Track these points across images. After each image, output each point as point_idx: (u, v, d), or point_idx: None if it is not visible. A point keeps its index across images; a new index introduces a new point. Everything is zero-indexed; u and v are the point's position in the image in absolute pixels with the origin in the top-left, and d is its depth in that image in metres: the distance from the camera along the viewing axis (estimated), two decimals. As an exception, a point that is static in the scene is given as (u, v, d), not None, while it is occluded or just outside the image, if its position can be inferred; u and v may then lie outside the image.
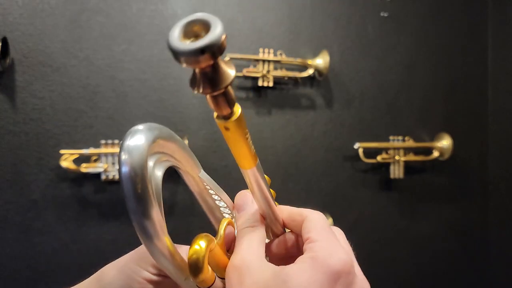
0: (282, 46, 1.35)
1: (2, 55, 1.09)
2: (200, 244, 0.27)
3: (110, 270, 0.38)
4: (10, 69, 1.14)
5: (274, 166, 1.36)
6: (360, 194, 1.46)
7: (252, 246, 0.30)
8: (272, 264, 0.28)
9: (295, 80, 1.38)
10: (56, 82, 1.18)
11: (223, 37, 0.19)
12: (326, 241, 0.28)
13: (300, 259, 0.27)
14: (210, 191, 0.38)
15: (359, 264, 0.30)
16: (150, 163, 0.28)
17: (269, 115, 1.37)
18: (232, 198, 0.36)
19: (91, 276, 0.39)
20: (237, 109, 0.23)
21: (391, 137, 1.45)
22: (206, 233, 0.29)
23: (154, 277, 0.36)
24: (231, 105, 0.23)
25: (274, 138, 1.37)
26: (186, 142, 1.22)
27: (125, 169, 0.24)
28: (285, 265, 0.27)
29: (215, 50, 0.18)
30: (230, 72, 0.21)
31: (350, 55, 1.44)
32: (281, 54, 1.34)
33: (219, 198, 0.38)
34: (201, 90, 0.21)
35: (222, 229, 0.32)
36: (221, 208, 0.38)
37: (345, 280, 0.26)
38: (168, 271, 0.28)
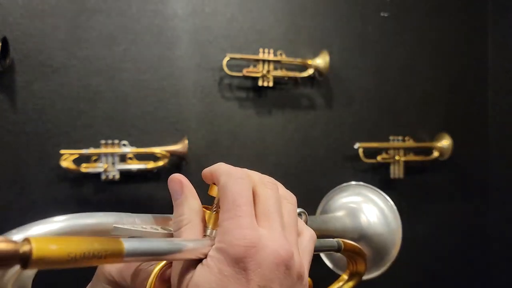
0: (282, 46, 1.35)
1: (2, 55, 1.09)
2: None
3: None
4: (10, 69, 1.14)
5: (274, 166, 1.36)
6: (360, 194, 1.46)
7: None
8: (188, 278, 0.28)
9: (295, 80, 1.38)
10: (56, 82, 1.18)
11: None
12: (226, 223, 0.28)
13: (208, 254, 0.28)
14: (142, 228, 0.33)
15: None
16: None
17: (269, 115, 1.37)
18: None
19: None
20: None
21: (391, 137, 1.45)
22: None
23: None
24: None
25: (274, 138, 1.36)
26: (186, 142, 1.22)
27: None
28: None
29: None
30: None
31: (350, 55, 1.44)
32: (281, 54, 1.34)
33: (155, 228, 0.33)
34: None
35: (149, 285, 0.30)
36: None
37: (252, 261, 0.26)
38: None
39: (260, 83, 1.30)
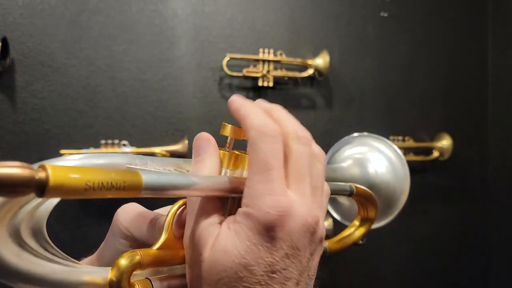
0: (282, 46, 1.35)
1: (2, 55, 1.09)
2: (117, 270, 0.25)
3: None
4: (10, 69, 1.14)
5: (274, 166, 1.36)
6: (360, 194, 1.46)
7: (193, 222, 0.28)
8: (213, 238, 0.26)
9: (295, 80, 1.38)
10: (56, 82, 1.18)
11: None
12: (256, 186, 0.26)
13: (236, 217, 0.26)
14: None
15: None
16: None
17: (269, 115, 1.36)
18: None
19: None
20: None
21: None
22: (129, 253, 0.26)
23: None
24: None
25: (274, 138, 1.36)
26: (186, 142, 1.22)
27: None
28: None
29: None
30: None
31: (350, 55, 1.44)
32: (281, 54, 1.34)
33: (169, 170, 0.33)
34: None
35: (166, 225, 0.29)
36: None
37: (283, 230, 0.25)
38: None
39: (260, 83, 1.30)
